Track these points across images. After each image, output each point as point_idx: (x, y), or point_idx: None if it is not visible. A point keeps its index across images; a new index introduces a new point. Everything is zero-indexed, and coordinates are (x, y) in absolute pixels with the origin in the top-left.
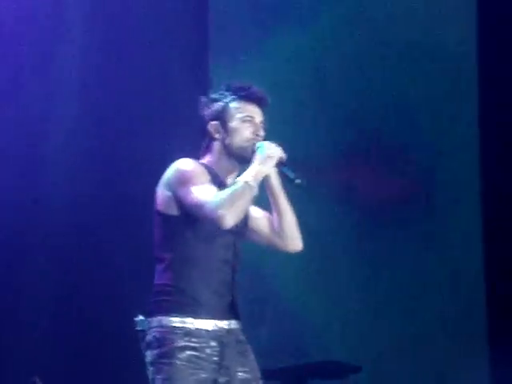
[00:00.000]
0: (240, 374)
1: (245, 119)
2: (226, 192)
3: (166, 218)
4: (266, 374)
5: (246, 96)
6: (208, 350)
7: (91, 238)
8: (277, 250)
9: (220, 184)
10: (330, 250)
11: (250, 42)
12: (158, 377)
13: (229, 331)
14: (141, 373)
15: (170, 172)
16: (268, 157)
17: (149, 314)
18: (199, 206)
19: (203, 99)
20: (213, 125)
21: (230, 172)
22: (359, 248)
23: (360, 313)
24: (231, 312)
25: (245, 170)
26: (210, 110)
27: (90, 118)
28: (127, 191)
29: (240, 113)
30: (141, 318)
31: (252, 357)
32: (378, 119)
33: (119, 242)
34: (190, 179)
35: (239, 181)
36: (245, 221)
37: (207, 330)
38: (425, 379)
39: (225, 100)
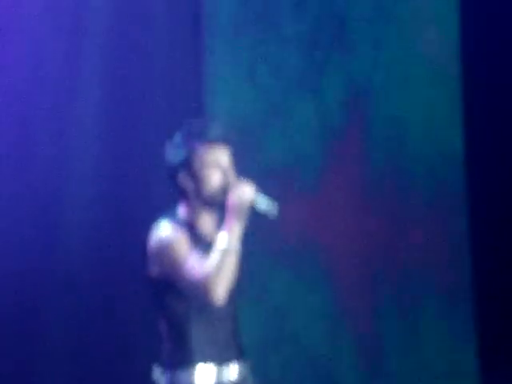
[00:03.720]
0: None
1: (211, 164)
2: (214, 267)
3: (157, 286)
4: None
5: (208, 138)
6: None
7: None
8: None
9: (202, 239)
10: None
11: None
12: None
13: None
14: None
15: (153, 244)
16: (242, 208)
17: (162, 365)
18: (189, 287)
19: (169, 145)
20: (181, 176)
21: (209, 221)
22: None
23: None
24: (236, 357)
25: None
26: (176, 158)
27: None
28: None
29: (205, 158)
30: (157, 369)
31: None
32: None
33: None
34: (173, 255)
35: (224, 249)
36: None
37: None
38: None
39: (189, 145)
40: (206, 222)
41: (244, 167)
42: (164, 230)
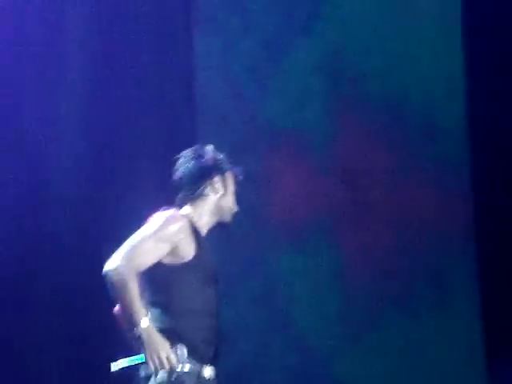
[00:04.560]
0: None
1: (234, 190)
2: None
3: (159, 264)
4: None
5: (239, 173)
6: None
7: None
8: None
9: (198, 239)
10: None
11: None
12: None
13: (210, 379)
14: None
15: (158, 221)
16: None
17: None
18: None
19: (197, 151)
20: (217, 181)
21: (209, 227)
22: None
23: None
24: (214, 359)
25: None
26: (216, 166)
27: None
28: None
29: (233, 183)
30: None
31: None
32: None
33: None
34: (168, 238)
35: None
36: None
37: (198, 376)
38: None
39: (227, 166)
40: (207, 228)
41: None
42: (172, 215)
